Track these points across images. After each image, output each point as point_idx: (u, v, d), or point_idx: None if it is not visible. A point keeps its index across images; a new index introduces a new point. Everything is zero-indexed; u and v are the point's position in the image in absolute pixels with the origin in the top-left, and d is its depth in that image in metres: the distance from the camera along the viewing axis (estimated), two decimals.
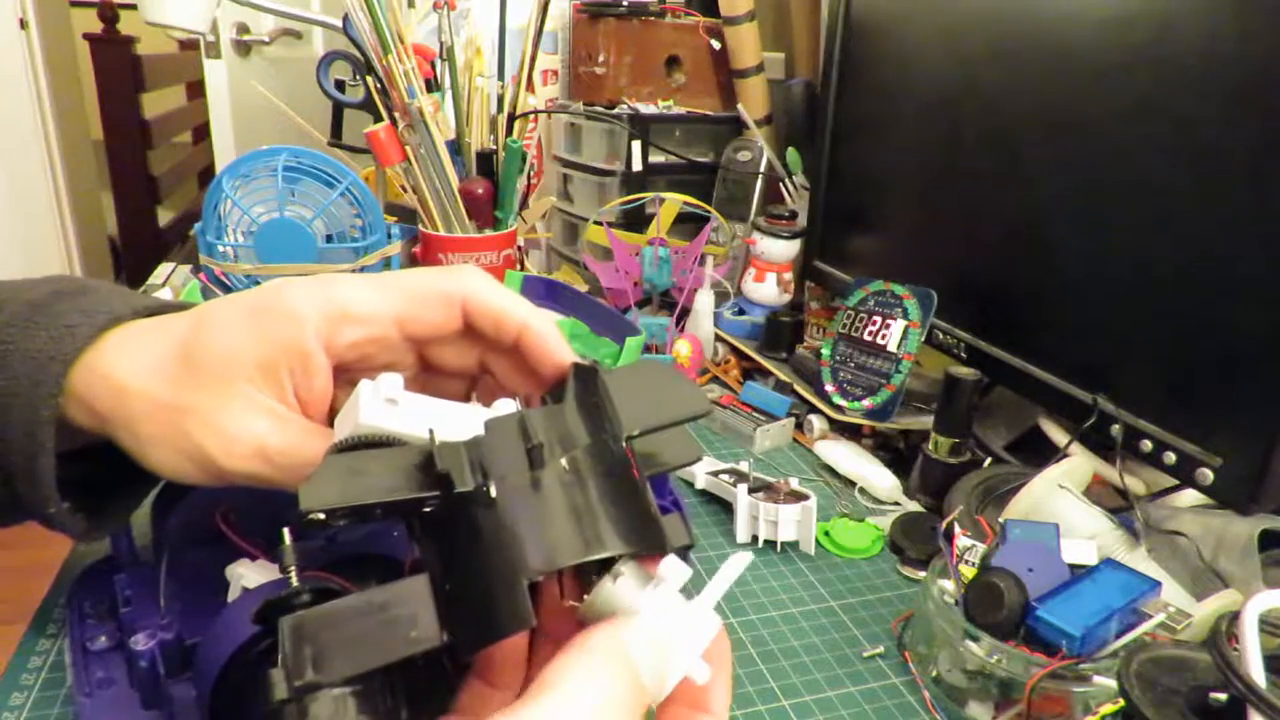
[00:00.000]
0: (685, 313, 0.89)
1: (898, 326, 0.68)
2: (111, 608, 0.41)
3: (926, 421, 0.65)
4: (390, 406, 0.29)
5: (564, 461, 0.26)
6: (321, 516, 0.25)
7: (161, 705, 0.36)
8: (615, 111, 1.03)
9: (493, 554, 0.24)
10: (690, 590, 0.26)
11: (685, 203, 0.97)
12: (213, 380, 0.31)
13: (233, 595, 0.38)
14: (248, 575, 0.37)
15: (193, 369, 0.31)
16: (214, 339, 0.31)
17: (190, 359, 0.31)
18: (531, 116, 1.00)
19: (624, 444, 0.28)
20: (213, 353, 0.31)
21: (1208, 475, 0.47)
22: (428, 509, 0.26)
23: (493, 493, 0.25)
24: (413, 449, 0.27)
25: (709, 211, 0.97)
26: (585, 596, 0.25)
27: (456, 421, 0.29)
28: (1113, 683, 0.39)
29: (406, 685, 0.25)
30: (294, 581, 0.26)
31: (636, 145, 1.00)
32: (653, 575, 0.26)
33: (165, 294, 0.79)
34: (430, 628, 0.24)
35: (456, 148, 0.80)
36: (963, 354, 0.67)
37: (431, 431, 0.27)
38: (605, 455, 0.27)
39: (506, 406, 0.30)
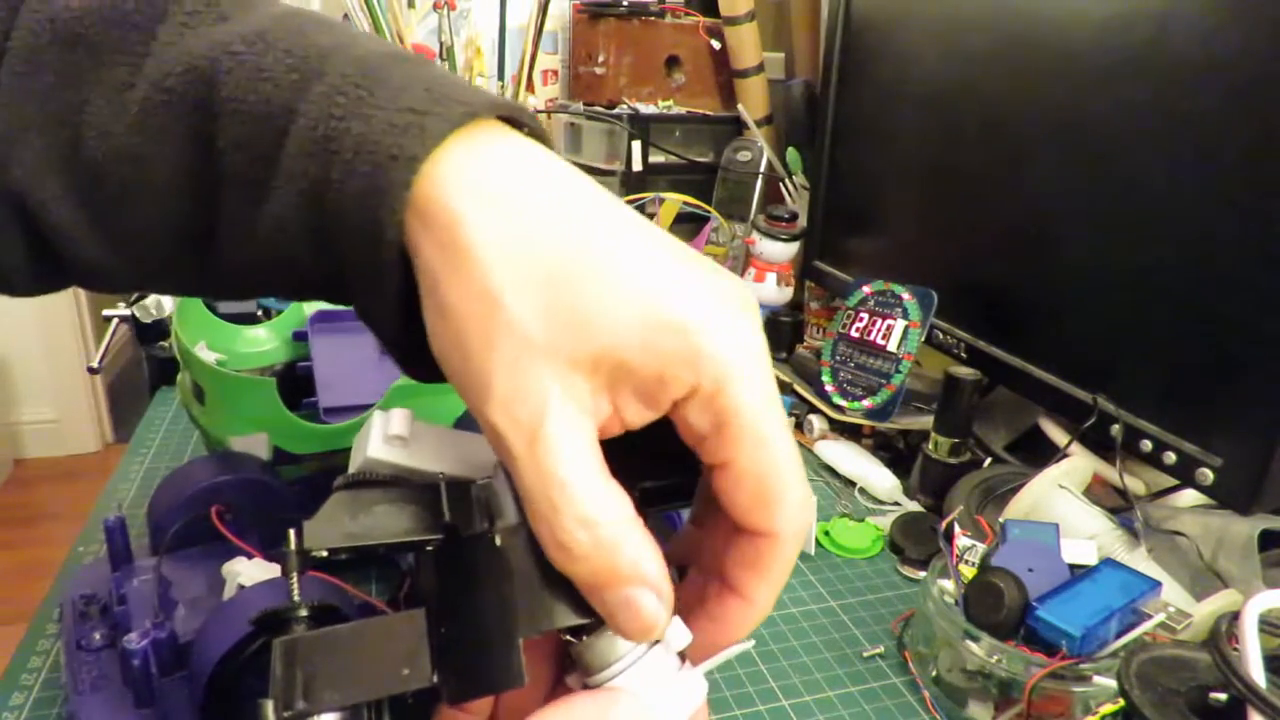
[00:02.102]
0: None
1: (898, 326, 0.68)
2: (107, 605, 0.41)
3: (926, 421, 0.65)
4: (398, 442, 0.28)
5: None
6: (324, 554, 0.25)
7: (154, 704, 0.36)
8: (615, 111, 1.03)
9: (491, 605, 0.24)
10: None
11: (685, 203, 0.97)
12: (565, 334, 0.22)
13: (228, 593, 0.38)
14: (243, 573, 0.37)
15: (555, 292, 0.22)
16: (607, 294, 0.22)
17: (557, 280, 0.22)
18: None
19: (636, 493, 0.28)
20: (597, 307, 0.22)
21: (1208, 475, 0.47)
22: (430, 547, 0.26)
23: (498, 541, 0.25)
24: (420, 486, 0.27)
25: (709, 211, 0.97)
26: (584, 636, 0.25)
27: (468, 454, 0.29)
28: (1113, 683, 0.38)
29: (393, 710, 0.25)
30: (295, 589, 0.26)
31: (636, 145, 1.00)
32: None
33: (165, 299, 0.77)
34: (423, 668, 0.24)
35: None
36: (963, 354, 0.67)
37: (441, 476, 0.27)
38: None
39: None
